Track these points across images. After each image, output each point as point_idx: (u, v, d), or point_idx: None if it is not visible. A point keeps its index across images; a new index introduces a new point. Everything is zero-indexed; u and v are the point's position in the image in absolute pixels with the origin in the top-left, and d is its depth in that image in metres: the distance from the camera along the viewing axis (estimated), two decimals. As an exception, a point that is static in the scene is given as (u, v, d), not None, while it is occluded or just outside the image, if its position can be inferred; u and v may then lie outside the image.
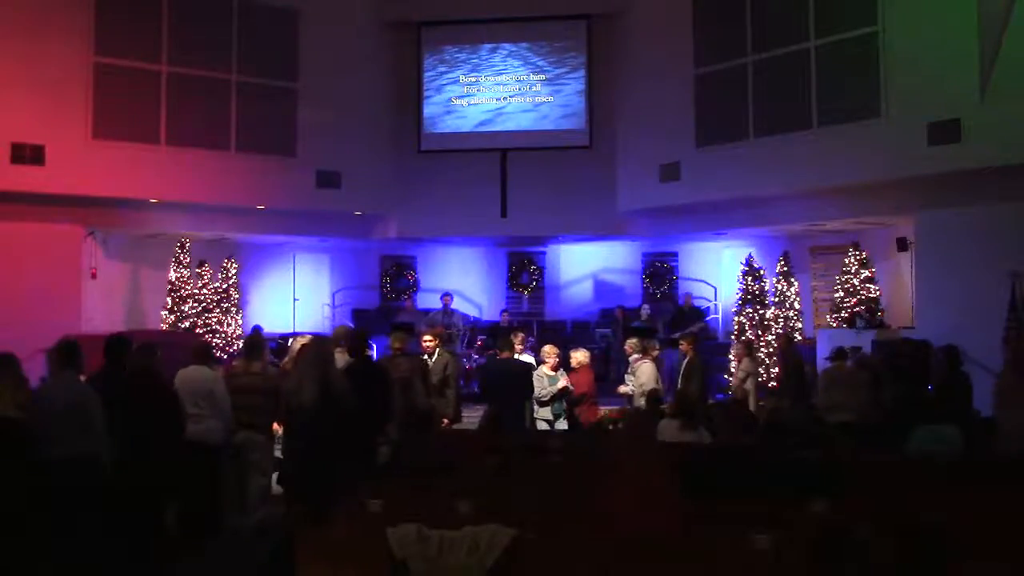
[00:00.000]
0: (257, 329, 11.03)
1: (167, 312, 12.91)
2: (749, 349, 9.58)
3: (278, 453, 6.63)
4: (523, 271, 15.71)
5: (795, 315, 12.66)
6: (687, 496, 4.31)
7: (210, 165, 11.81)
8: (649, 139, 12.68)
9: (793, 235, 13.52)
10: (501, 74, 13.74)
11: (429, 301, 14.61)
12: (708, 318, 14.13)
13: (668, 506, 4.17)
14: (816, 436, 6.24)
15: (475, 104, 13.79)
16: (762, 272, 13.08)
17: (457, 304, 13.50)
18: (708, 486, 4.62)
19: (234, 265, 13.95)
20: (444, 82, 13.82)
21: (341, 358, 7.11)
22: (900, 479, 5.11)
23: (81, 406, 5.15)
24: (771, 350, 12.37)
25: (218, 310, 13.42)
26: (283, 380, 6.26)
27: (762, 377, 10.98)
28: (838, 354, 9.03)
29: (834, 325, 11.96)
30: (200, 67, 11.79)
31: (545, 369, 8.39)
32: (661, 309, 13.80)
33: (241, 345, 11.22)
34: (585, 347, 9.24)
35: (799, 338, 12.31)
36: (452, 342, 12.36)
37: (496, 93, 13.76)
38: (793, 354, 9.78)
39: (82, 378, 5.65)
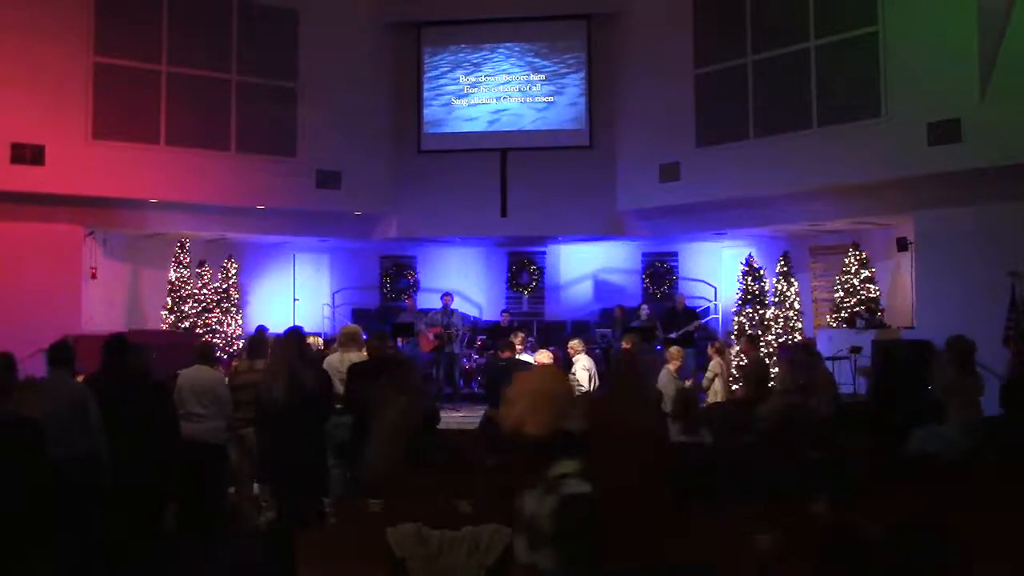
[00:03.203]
0: (262, 329, 11.03)
1: (167, 312, 12.91)
2: (720, 350, 9.66)
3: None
4: (523, 271, 15.70)
5: (795, 315, 12.66)
6: (687, 496, 4.31)
7: (210, 165, 11.81)
8: (649, 139, 12.67)
9: (793, 235, 13.52)
10: (501, 74, 13.74)
11: (429, 301, 14.60)
12: (707, 318, 14.12)
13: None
14: (826, 434, 6.25)
15: (475, 104, 13.79)
16: (762, 272, 13.08)
17: (457, 304, 13.49)
18: (708, 486, 4.62)
19: (234, 265, 13.96)
20: (444, 82, 13.82)
21: (354, 356, 7.14)
22: (900, 479, 5.11)
23: (78, 405, 5.16)
24: (771, 350, 12.38)
25: (218, 310, 13.42)
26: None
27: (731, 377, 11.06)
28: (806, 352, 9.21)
29: (834, 325, 11.97)
30: (200, 67, 11.79)
31: (670, 369, 8.58)
32: (660, 309, 13.80)
33: (243, 345, 11.25)
34: (584, 347, 9.41)
35: (799, 337, 12.31)
36: (452, 342, 12.37)
37: (496, 93, 13.75)
38: (755, 354, 9.83)
39: (80, 378, 5.66)
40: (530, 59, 13.69)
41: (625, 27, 13.18)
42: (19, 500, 4.35)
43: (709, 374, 9.34)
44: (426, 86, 13.80)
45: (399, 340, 11.90)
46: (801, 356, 8.49)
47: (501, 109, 13.71)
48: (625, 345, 9.28)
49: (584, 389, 8.89)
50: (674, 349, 8.91)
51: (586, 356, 9.23)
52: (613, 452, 4.29)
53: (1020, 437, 6.33)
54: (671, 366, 8.66)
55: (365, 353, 7.11)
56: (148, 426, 5.47)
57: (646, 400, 4.70)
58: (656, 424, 4.49)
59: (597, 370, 9.20)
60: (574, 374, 9.02)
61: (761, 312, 12.80)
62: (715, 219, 12.66)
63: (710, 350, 9.79)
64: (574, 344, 9.41)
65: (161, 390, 5.94)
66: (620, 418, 4.39)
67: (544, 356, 8.55)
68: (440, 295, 13.14)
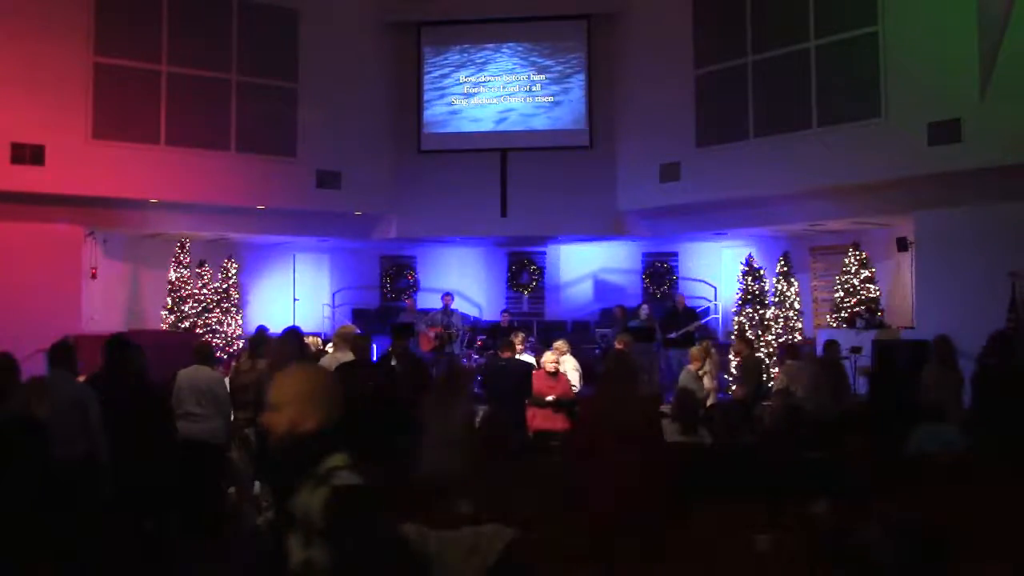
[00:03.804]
0: (262, 329, 11.05)
1: (167, 312, 12.91)
2: (707, 349, 9.69)
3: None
4: (523, 271, 15.70)
5: (795, 315, 12.66)
6: (687, 496, 4.31)
7: (210, 165, 11.81)
8: (649, 139, 12.67)
9: (793, 235, 13.52)
10: (501, 74, 13.74)
11: (429, 301, 14.60)
12: (707, 318, 14.13)
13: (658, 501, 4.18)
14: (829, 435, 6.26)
15: (475, 104, 13.79)
16: (762, 272, 13.08)
17: (457, 304, 13.49)
18: (708, 486, 4.62)
19: (234, 265, 13.96)
20: (444, 82, 13.82)
21: (347, 357, 7.13)
22: (900, 479, 5.11)
23: (79, 405, 5.15)
24: (771, 350, 12.39)
25: (218, 310, 13.43)
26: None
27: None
28: (792, 351, 9.25)
29: (834, 325, 11.96)
30: (200, 67, 11.79)
31: (691, 370, 8.55)
32: (660, 309, 13.80)
33: (243, 345, 11.24)
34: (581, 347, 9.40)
35: (799, 338, 12.32)
36: (452, 342, 12.37)
37: (496, 93, 13.76)
38: (750, 356, 9.87)
39: (81, 379, 5.66)
40: (530, 59, 13.68)
41: (625, 27, 13.18)
42: (22, 501, 4.35)
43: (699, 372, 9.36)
44: (426, 86, 13.80)
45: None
46: (834, 355, 8.56)
47: (501, 109, 13.71)
48: (618, 345, 9.24)
49: (576, 388, 8.85)
50: (695, 350, 8.85)
51: (571, 356, 9.20)
52: (606, 451, 4.29)
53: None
54: (692, 367, 8.61)
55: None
56: (148, 426, 5.47)
57: (638, 399, 4.69)
58: (649, 423, 4.48)
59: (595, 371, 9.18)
60: (564, 374, 8.99)
61: (761, 312, 12.80)
62: (715, 219, 12.66)
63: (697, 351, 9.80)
64: (559, 345, 9.39)
65: (159, 390, 5.94)
66: (611, 417, 4.40)
67: (548, 357, 8.45)
68: (441, 295, 13.15)
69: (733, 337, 12.76)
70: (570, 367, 9.04)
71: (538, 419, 7.91)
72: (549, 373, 8.19)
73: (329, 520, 2.19)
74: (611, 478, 4.20)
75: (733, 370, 11.15)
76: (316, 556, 2.20)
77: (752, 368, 9.40)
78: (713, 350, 9.82)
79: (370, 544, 2.21)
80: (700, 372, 9.25)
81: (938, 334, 7.89)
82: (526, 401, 7.94)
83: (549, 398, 7.92)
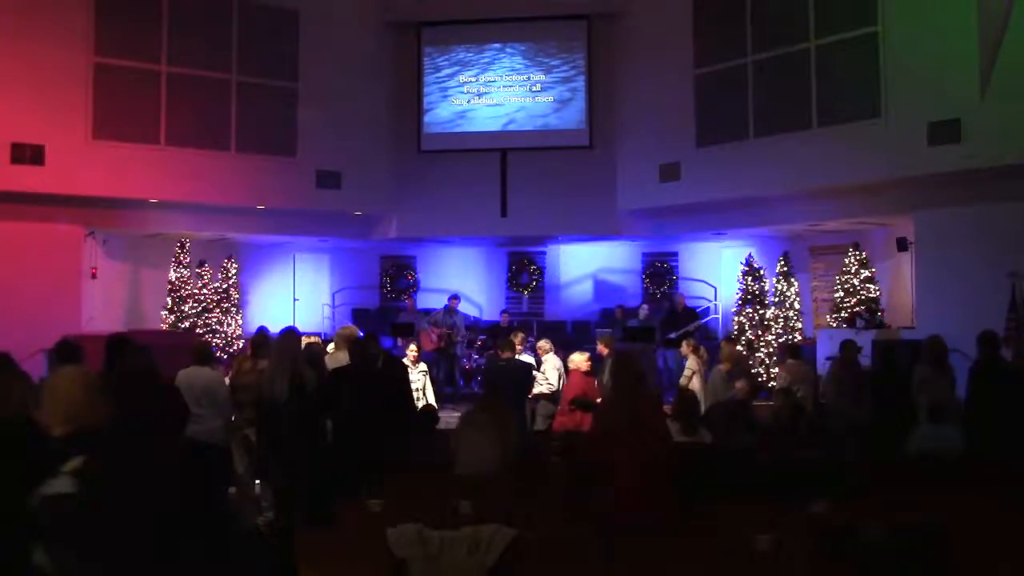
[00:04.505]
0: (263, 330, 11.07)
1: (167, 312, 12.92)
2: (696, 348, 9.68)
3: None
4: (523, 271, 15.70)
5: (795, 315, 12.66)
6: (687, 496, 4.32)
7: (210, 165, 11.81)
8: (649, 139, 12.67)
9: (793, 235, 13.52)
10: (502, 74, 13.73)
11: (429, 301, 14.61)
12: (707, 318, 14.13)
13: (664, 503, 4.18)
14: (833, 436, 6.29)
15: (475, 104, 13.78)
16: (762, 272, 13.09)
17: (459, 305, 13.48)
18: (708, 486, 4.63)
19: (234, 265, 13.96)
20: (444, 82, 13.81)
21: (345, 357, 7.13)
22: (900, 479, 5.11)
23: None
24: (770, 350, 12.39)
25: (218, 310, 13.43)
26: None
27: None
28: (793, 351, 9.37)
29: (834, 325, 11.96)
30: (200, 67, 11.78)
31: (721, 371, 8.50)
32: (660, 309, 13.81)
33: (243, 345, 11.24)
34: (583, 348, 9.38)
35: (799, 338, 12.32)
36: (453, 343, 12.37)
37: (496, 93, 13.75)
38: (740, 353, 9.89)
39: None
40: (530, 59, 13.68)
41: (625, 27, 13.18)
42: (22, 500, 4.35)
43: (687, 372, 9.35)
44: (426, 86, 13.79)
45: (398, 340, 11.92)
46: (853, 356, 8.55)
47: (502, 109, 13.71)
48: (600, 348, 9.13)
49: (555, 387, 8.81)
50: (727, 351, 8.84)
51: (555, 356, 9.18)
52: (614, 451, 4.30)
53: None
54: (723, 368, 8.60)
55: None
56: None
57: (646, 399, 4.69)
58: (657, 423, 4.48)
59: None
60: (543, 372, 8.98)
61: (761, 312, 12.80)
62: (715, 219, 12.66)
63: (685, 348, 9.79)
64: (542, 344, 9.39)
65: (170, 391, 5.94)
66: (619, 420, 4.40)
67: (580, 357, 8.31)
68: (448, 296, 13.14)
69: (733, 337, 12.76)
70: (549, 366, 9.00)
71: (577, 421, 7.74)
72: (585, 373, 8.02)
73: (40, 527, 2.21)
74: (618, 478, 4.20)
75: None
76: (39, 558, 2.22)
77: (746, 365, 9.41)
78: (703, 349, 9.83)
79: (73, 553, 2.20)
80: (689, 374, 9.23)
81: (930, 334, 7.95)
82: (571, 404, 7.86)
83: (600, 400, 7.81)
